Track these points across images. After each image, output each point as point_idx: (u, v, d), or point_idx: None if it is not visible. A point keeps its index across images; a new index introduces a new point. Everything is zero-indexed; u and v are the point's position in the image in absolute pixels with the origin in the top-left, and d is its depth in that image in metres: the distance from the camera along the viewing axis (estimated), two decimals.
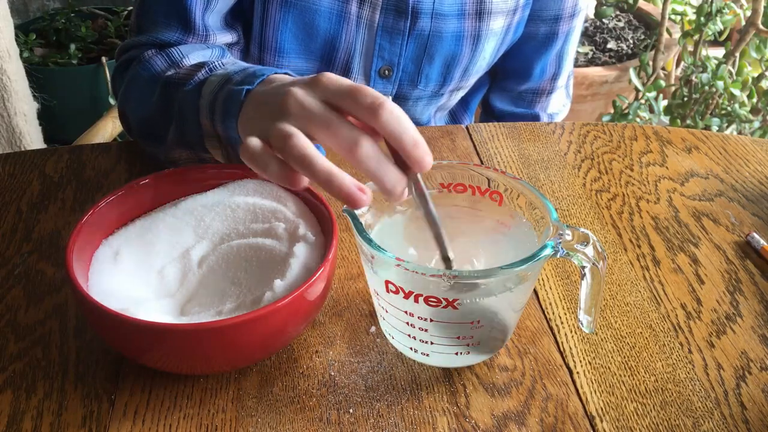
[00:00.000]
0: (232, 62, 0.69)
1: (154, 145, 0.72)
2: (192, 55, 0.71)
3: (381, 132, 0.45)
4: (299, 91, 0.48)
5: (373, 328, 0.58)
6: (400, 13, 0.80)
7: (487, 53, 0.89)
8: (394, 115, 0.45)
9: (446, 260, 0.50)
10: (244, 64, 0.64)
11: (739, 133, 1.78)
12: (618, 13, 2.34)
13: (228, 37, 0.78)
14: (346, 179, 0.44)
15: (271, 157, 0.46)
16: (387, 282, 0.50)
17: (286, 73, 0.57)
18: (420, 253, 0.55)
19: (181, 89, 0.65)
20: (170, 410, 0.51)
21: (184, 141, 0.66)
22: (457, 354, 0.54)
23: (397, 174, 0.46)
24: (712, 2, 1.80)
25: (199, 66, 0.66)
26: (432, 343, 0.53)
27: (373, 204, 0.53)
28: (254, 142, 0.46)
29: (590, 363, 0.56)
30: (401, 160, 0.46)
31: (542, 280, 0.64)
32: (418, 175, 0.48)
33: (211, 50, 0.74)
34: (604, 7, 2.14)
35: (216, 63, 0.66)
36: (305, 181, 0.46)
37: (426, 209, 0.49)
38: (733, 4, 1.85)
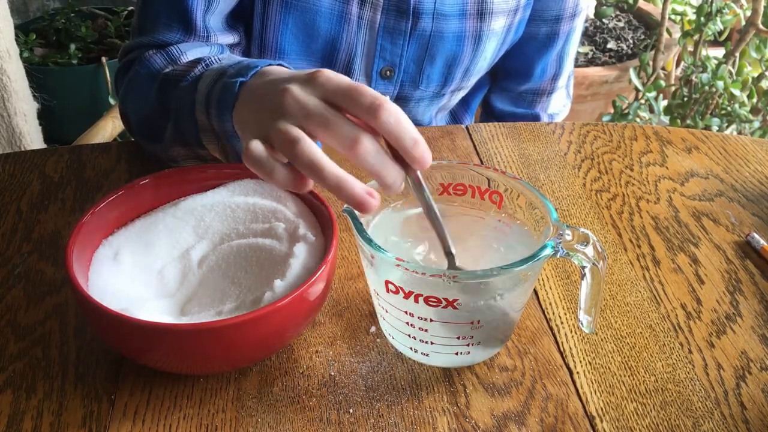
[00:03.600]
0: (228, 57, 0.69)
1: (154, 143, 0.72)
2: (190, 52, 0.71)
3: (380, 132, 0.45)
4: (297, 89, 0.47)
5: (373, 328, 0.58)
6: (401, 13, 0.80)
7: (488, 53, 0.89)
8: (394, 114, 0.45)
9: (449, 255, 0.50)
10: (239, 58, 0.63)
11: (739, 133, 1.78)
12: (618, 13, 2.34)
13: (229, 38, 0.78)
14: (357, 185, 0.45)
15: (277, 163, 0.46)
16: (387, 282, 0.50)
17: (280, 65, 0.57)
18: (417, 247, 0.55)
19: (178, 85, 0.65)
20: (170, 410, 0.51)
21: (181, 137, 0.66)
22: (457, 354, 0.54)
23: (396, 170, 0.46)
24: (712, 2, 1.80)
25: (196, 62, 0.67)
26: (432, 343, 0.53)
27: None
28: (257, 146, 0.46)
29: (590, 363, 0.56)
30: (399, 155, 0.46)
31: (542, 280, 0.64)
32: (418, 172, 0.48)
33: (210, 48, 0.74)
34: (604, 7, 2.14)
35: (213, 58, 0.66)
36: (311, 185, 0.46)
37: (426, 205, 0.49)
38: (733, 4, 1.85)
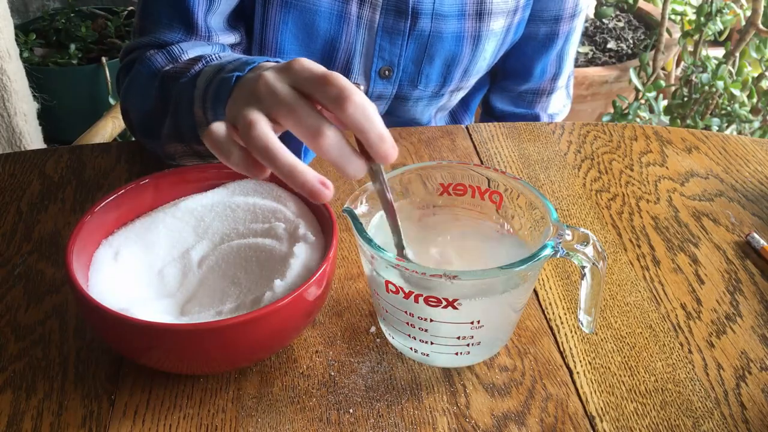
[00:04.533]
0: (228, 54, 0.69)
1: (154, 140, 0.72)
2: (191, 50, 0.71)
3: (346, 124, 0.44)
4: (271, 75, 0.47)
5: (373, 328, 0.58)
6: (400, 13, 0.80)
7: (488, 54, 0.89)
8: (360, 107, 0.44)
9: (400, 248, 0.51)
10: (239, 55, 0.63)
11: (739, 133, 1.78)
12: (618, 13, 2.34)
13: (230, 38, 0.78)
14: (309, 174, 0.44)
15: (234, 145, 0.45)
16: (387, 282, 0.50)
17: (277, 62, 0.57)
18: (416, 245, 0.55)
19: (177, 82, 0.65)
20: (170, 410, 0.51)
21: (179, 133, 0.66)
22: (457, 354, 0.53)
23: (358, 164, 0.45)
24: (712, 2, 1.80)
25: (197, 59, 0.67)
26: (432, 343, 0.53)
27: (370, 199, 0.53)
28: (218, 127, 0.45)
29: (590, 363, 0.56)
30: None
31: (542, 280, 0.64)
32: (381, 166, 0.48)
33: (211, 46, 0.74)
34: (604, 7, 2.14)
35: (213, 56, 0.66)
36: (267, 172, 0.45)
37: (384, 198, 0.49)
38: (733, 4, 1.86)
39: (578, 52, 2.13)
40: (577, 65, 2.05)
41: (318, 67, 0.46)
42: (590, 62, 2.12)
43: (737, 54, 1.83)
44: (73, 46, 2.14)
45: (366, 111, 0.44)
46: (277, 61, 0.57)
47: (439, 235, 0.58)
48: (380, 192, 0.49)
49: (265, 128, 0.44)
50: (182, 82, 0.64)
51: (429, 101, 0.93)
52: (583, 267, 0.51)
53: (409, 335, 0.53)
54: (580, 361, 0.57)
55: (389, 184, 0.49)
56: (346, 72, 0.84)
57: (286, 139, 0.48)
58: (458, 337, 0.52)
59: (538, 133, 0.87)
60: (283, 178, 0.44)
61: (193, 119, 0.63)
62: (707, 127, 1.79)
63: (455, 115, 1.08)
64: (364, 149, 0.46)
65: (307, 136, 0.44)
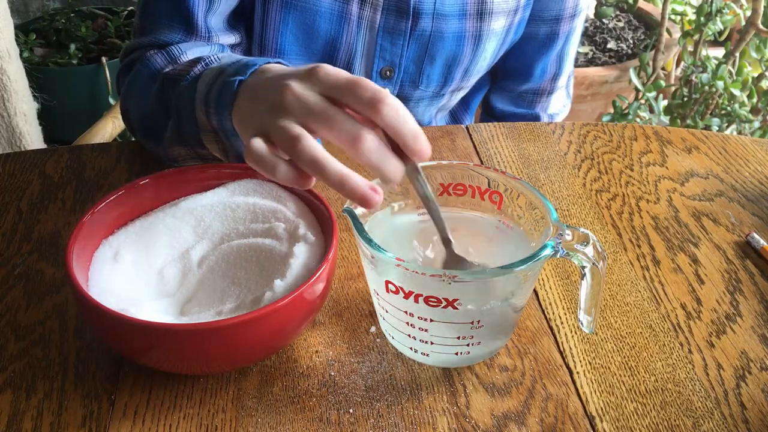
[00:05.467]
0: (228, 56, 0.69)
1: (155, 143, 0.72)
2: (191, 51, 0.71)
3: (382, 126, 0.45)
4: (297, 85, 0.47)
5: (373, 328, 0.58)
6: (401, 13, 0.80)
7: (488, 53, 0.89)
8: (394, 108, 0.45)
9: (446, 242, 0.51)
10: (238, 56, 0.63)
11: (739, 133, 1.78)
12: (618, 13, 2.34)
13: (230, 38, 0.78)
14: (359, 181, 0.45)
15: (279, 160, 0.46)
16: (387, 282, 0.50)
17: (278, 62, 0.57)
18: (414, 243, 0.55)
19: (177, 85, 0.65)
20: (170, 410, 0.51)
21: (182, 137, 0.66)
22: (457, 354, 0.53)
23: (397, 164, 0.46)
24: (712, 2, 1.80)
25: (196, 61, 0.67)
26: (432, 343, 0.53)
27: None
28: (259, 144, 0.46)
29: (590, 363, 0.56)
30: (398, 147, 0.47)
31: (542, 280, 0.64)
32: (418, 164, 0.48)
33: (210, 47, 0.74)
34: (604, 7, 2.14)
35: (212, 57, 0.66)
36: (314, 182, 0.47)
37: (425, 194, 0.50)
38: (733, 4, 1.85)
39: (578, 52, 2.13)
40: (577, 65, 2.05)
41: (343, 73, 0.47)
42: (590, 62, 2.12)
43: (737, 54, 1.83)
44: (73, 46, 2.14)
45: (399, 111, 0.45)
46: (278, 62, 0.57)
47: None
48: (419, 190, 0.50)
49: (311, 141, 0.45)
50: (182, 86, 0.64)
51: (430, 101, 0.93)
52: (583, 267, 0.51)
53: (409, 335, 0.53)
54: (580, 361, 0.57)
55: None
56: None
57: None
58: (458, 337, 0.52)
59: (538, 133, 0.87)
60: (334, 187, 0.45)
61: (195, 124, 0.63)
62: (707, 127, 1.79)
63: (455, 115, 1.08)
64: (398, 150, 0.46)
65: (347, 142, 0.45)
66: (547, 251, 0.49)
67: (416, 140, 0.46)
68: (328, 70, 0.48)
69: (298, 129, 0.45)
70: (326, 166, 0.45)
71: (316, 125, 0.46)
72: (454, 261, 0.52)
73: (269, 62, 0.56)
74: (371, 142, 0.45)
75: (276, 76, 0.51)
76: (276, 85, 0.49)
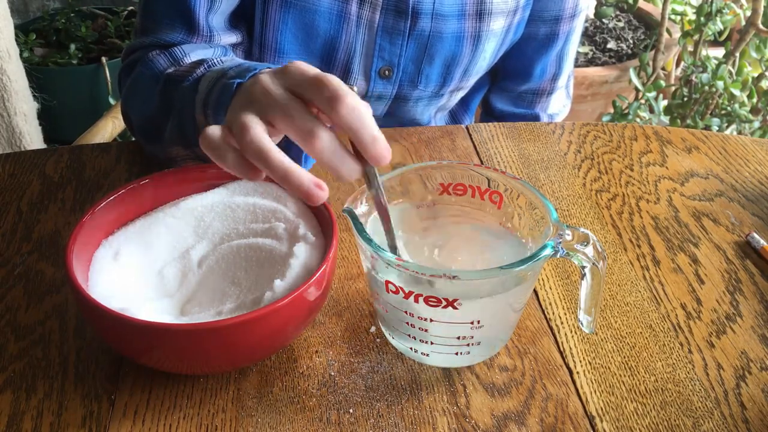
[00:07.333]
0: (231, 59, 0.69)
1: (154, 142, 0.72)
2: (194, 53, 0.71)
3: (339, 126, 0.45)
4: (266, 78, 0.47)
5: (373, 328, 0.58)
6: (400, 13, 0.80)
7: (488, 54, 0.89)
8: (354, 109, 0.44)
9: (393, 249, 0.51)
10: (241, 61, 0.63)
11: (739, 133, 1.78)
12: (618, 13, 2.34)
13: (232, 38, 0.78)
14: (304, 176, 0.44)
15: (229, 148, 0.45)
16: (387, 282, 0.50)
17: None
18: (414, 242, 0.55)
19: (179, 86, 0.65)
20: (170, 410, 0.51)
21: (181, 137, 0.66)
22: (457, 354, 0.53)
23: (352, 165, 0.46)
24: (712, 2, 1.80)
25: (199, 63, 0.67)
26: (432, 343, 0.53)
27: (370, 199, 0.53)
28: (214, 130, 0.45)
29: (590, 363, 0.56)
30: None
31: (542, 280, 0.64)
32: (375, 169, 0.48)
33: (213, 49, 0.74)
34: (604, 7, 2.14)
35: (215, 60, 0.66)
36: (262, 175, 0.46)
37: (379, 200, 0.50)
38: (733, 4, 1.86)
39: (578, 52, 2.13)
40: (577, 65, 2.05)
41: (312, 70, 0.46)
42: (590, 62, 2.12)
43: (737, 54, 1.83)
44: (73, 46, 2.14)
45: (359, 112, 0.44)
46: None
47: (439, 235, 0.58)
48: (374, 195, 0.50)
49: (258, 131, 0.44)
50: (184, 86, 0.65)
51: (429, 101, 0.93)
52: (583, 267, 0.51)
53: (409, 335, 0.53)
54: (580, 361, 0.57)
55: (385, 186, 0.50)
56: (346, 72, 0.84)
57: (287, 145, 0.48)
58: (458, 337, 0.52)
59: (538, 133, 0.87)
60: (278, 180, 0.44)
61: (195, 125, 0.63)
62: (707, 127, 1.79)
63: (455, 115, 1.08)
64: (358, 152, 0.46)
65: (300, 137, 0.44)
66: (547, 251, 0.49)
67: (374, 144, 0.45)
68: (300, 66, 0.47)
69: (249, 119, 0.45)
70: (270, 158, 0.44)
71: (274, 118, 0.45)
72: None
73: (270, 67, 0.56)
74: (325, 140, 0.44)
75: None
76: (252, 80, 0.48)
